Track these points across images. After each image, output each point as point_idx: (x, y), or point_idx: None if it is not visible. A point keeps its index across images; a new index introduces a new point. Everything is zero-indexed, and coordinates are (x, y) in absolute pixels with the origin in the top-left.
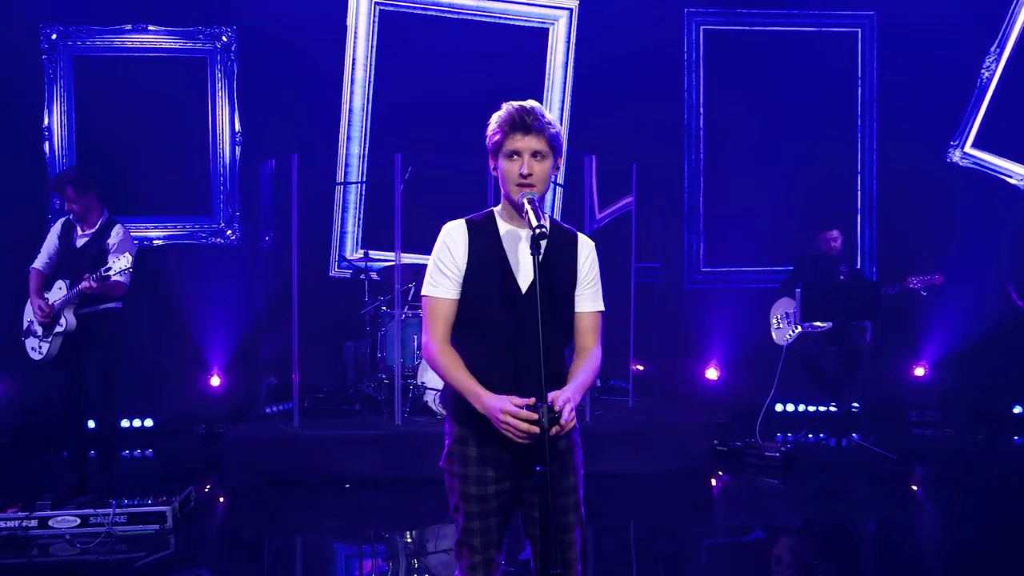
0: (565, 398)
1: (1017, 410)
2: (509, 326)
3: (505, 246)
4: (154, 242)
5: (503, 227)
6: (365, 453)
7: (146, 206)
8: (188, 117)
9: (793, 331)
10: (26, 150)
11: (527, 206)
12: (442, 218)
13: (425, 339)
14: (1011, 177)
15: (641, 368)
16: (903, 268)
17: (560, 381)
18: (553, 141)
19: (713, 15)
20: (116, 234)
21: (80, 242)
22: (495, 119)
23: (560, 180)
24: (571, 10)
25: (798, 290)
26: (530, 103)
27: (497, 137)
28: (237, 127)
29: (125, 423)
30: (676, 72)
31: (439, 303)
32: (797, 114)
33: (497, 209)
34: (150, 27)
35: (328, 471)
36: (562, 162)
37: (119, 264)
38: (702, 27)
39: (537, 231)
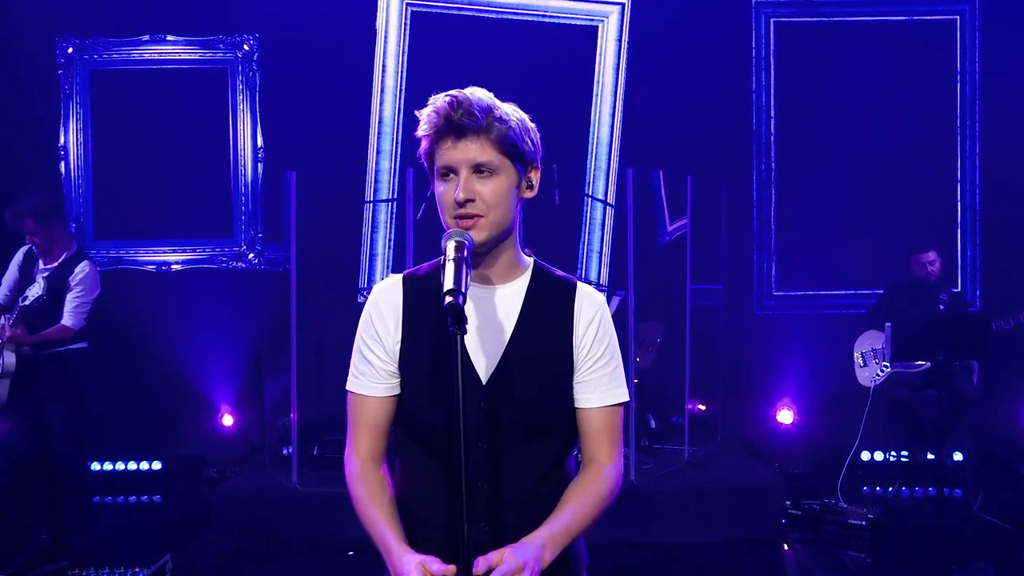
0: (511, 567)
1: None
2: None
3: None
4: (172, 267)
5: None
6: None
7: (164, 228)
8: (208, 132)
9: (882, 371)
10: (42, 171)
11: (449, 252)
12: None
13: (345, 453)
14: None
15: (703, 408)
16: (1011, 291)
17: (545, 515)
18: (507, 144)
19: (785, 5)
20: (80, 270)
21: (39, 277)
22: (421, 122)
23: (611, 199)
24: (623, 5)
25: (888, 325)
26: (468, 91)
27: (424, 147)
28: (259, 142)
29: (132, 466)
30: (743, 71)
31: (362, 403)
32: (884, 116)
33: None
34: (168, 37)
35: (329, 535)
36: (537, 176)
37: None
38: (772, 19)
39: (446, 299)
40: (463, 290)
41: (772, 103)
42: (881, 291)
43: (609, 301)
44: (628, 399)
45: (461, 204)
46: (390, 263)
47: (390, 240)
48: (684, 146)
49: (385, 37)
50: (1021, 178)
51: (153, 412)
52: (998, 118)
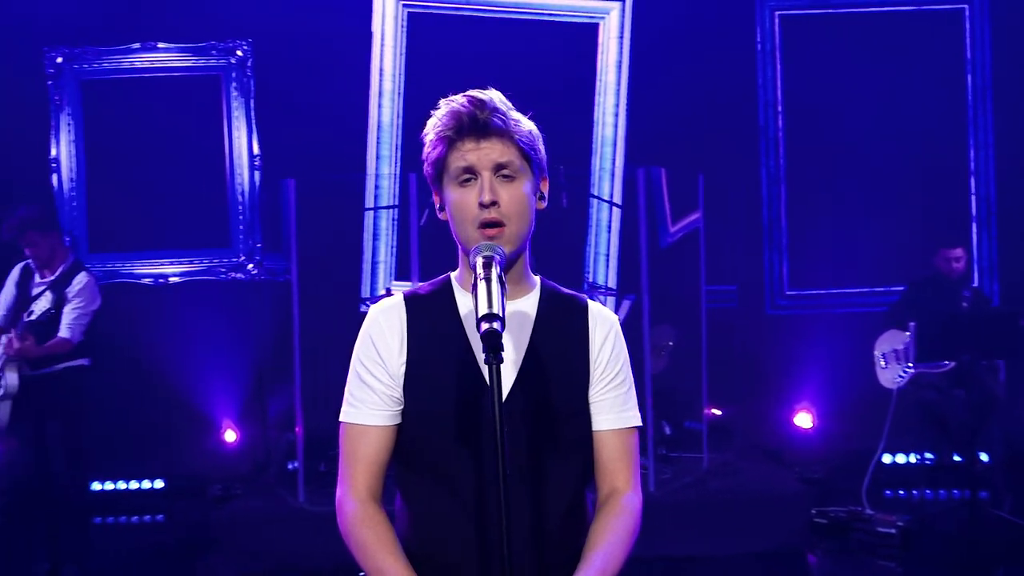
0: None
1: None
2: (479, 469)
3: (470, 334)
4: (170, 279)
5: (465, 304)
6: None
7: (160, 240)
8: (203, 140)
9: (904, 372)
10: (33, 184)
11: (480, 270)
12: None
13: (339, 493)
14: None
15: (718, 413)
16: None
17: (572, 551)
18: (529, 149)
19: None
20: (78, 282)
21: (36, 290)
22: (431, 126)
23: (617, 199)
24: (623, 2)
25: (912, 325)
26: (486, 91)
27: (437, 151)
28: (255, 149)
29: (134, 484)
30: (749, 66)
31: (361, 435)
32: (894, 109)
33: (455, 274)
34: (160, 45)
35: (340, 557)
36: (546, 186)
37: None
38: (777, 12)
39: (482, 326)
40: (501, 315)
41: (779, 98)
42: (897, 288)
43: (618, 306)
44: (641, 424)
45: (487, 206)
46: (393, 271)
47: (393, 247)
48: (690, 144)
49: (381, 40)
50: None
51: (153, 429)
52: (1010, 107)
